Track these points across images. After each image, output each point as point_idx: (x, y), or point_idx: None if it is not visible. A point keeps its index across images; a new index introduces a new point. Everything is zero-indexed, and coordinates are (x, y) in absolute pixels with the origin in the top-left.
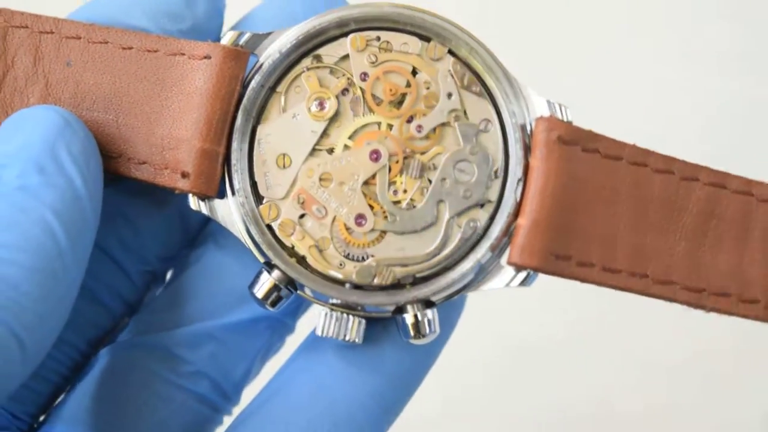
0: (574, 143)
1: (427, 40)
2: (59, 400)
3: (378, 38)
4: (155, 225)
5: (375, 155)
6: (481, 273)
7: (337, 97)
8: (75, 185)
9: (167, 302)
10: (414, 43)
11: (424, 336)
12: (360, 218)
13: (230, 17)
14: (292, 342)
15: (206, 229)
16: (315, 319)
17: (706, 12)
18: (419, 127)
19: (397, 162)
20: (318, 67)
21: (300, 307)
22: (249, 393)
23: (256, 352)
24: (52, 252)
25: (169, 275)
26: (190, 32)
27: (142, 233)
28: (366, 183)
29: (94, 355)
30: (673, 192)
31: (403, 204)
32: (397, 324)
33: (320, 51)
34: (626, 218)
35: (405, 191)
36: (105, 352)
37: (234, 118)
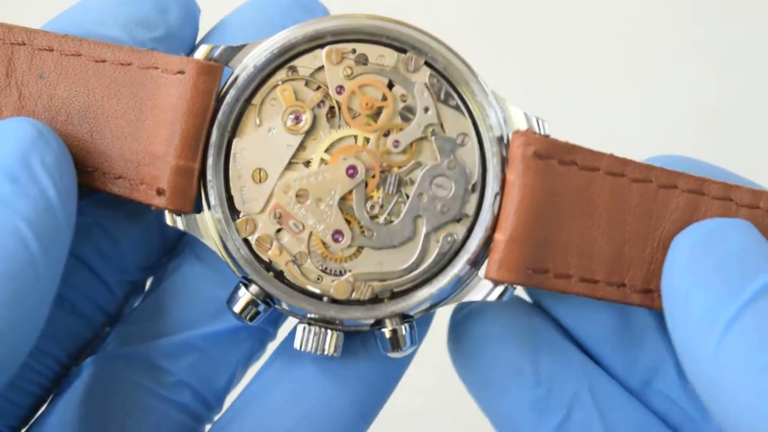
0: (551, 157)
1: (404, 51)
2: (40, 412)
3: (354, 51)
4: (133, 235)
5: (352, 170)
6: (459, 286)
7: (312, 110)
8: (48, 195)
9: (148, 313)
10: (390, 55)
11: (401, 349)
12: (337, 234)
13: (206, 23)
14: (274, 347)
15: (184, 237)
16: (293, 323)
17: (703, 12)
18: (396, 142)
19: (374, 177)
20: (293, 79)
21: (281, 315)
22: (230, 399)
23: (238, 360)
24: (25, 260)
25: (148, 284)
26: (164, 40)
27: (121, 243)
28: (343, 198)
29: (74, 366)
30: (650, 200)
31: (381, 219)
32: (375, 337)
33: (295, 62)
34: (604, 229)
35: (382, 206)
36: (87, 363)
37: (209, 133)
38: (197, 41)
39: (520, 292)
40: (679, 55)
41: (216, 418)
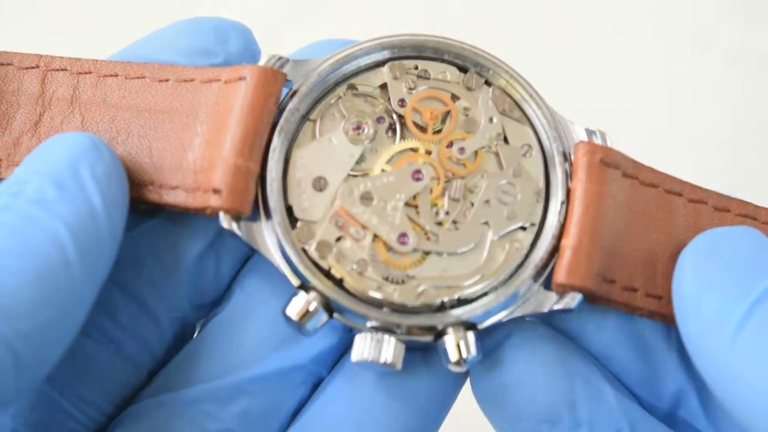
0: (615, 166)
1: (464, 71)
2: None
3: (416, 67)
4: (188, 267)
5: (417, 175)
6: (525, 295)
7: (373, 122)
8: (92, 202)
9: (194, 356)
10: (452, 72)
11: (465, 360)
12: (403, 237)
13: None
14: None
15: (234, 279)
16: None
17: (705, 12)
18: (461, 150)
19: (439, 184)
20: (354, 95)
21: (335, 353)
22: None
23: (290, 407)
24: (58, 263)
25: (198, 327)
26: (224, 66)
27: (174, 275)
28: (407, 204)
29: (117, 415)
30: (707, 221)
31: (446, 225)
32: (437, 349)
33: (355, 80)
34: (664, 245)
35: (447, 213)
36: (129, 412)
37: (269, 139)
38: None
39: None
40: (682, 56)
41: None
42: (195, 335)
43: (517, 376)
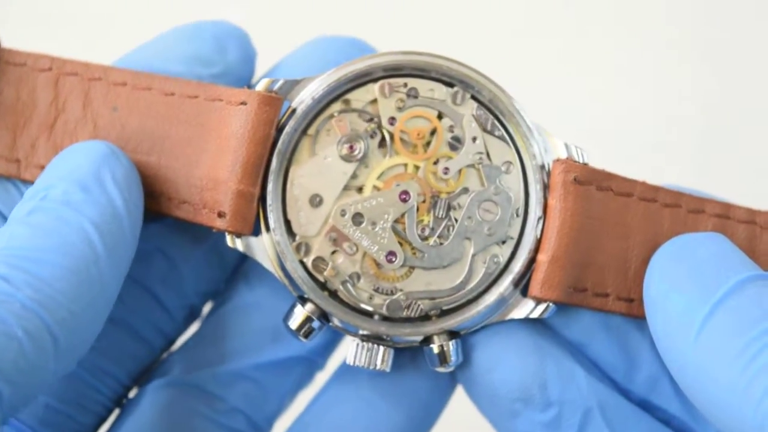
0: (589, 183)
1: (451, 86)
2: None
3: (405, 84)
4: (193, 261)
5: (404, 196)
6: (503, 304)
7: (365, 140)
8: (115, 204)
9: (204, 341)
10: (439, 89)
11: (449, 364)
12: (390, 255)
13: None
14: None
15: (239, 269)
16: (344, 353)
17: (703, 13)
18: (446, 169)
19: (425, 201)
20: (347, 111)
21: (330, 345)
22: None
23: (287, 389)
24: (89, 258)
25: (206, 309)
26: (222, 76)
27: (181, 269)
28: (396, 221)
29: (134, 388)
30: (681, 224)
31: (431, 241)
32: (423, 353)
33: (349, 96)
34: (637, 250)
35: (432, 229)
36: (147, 390)
37: (269, 161)
38: (254, 80)
39: None
40: (670, 57)
41: None
42: (204, 318)
43: (493, 358)
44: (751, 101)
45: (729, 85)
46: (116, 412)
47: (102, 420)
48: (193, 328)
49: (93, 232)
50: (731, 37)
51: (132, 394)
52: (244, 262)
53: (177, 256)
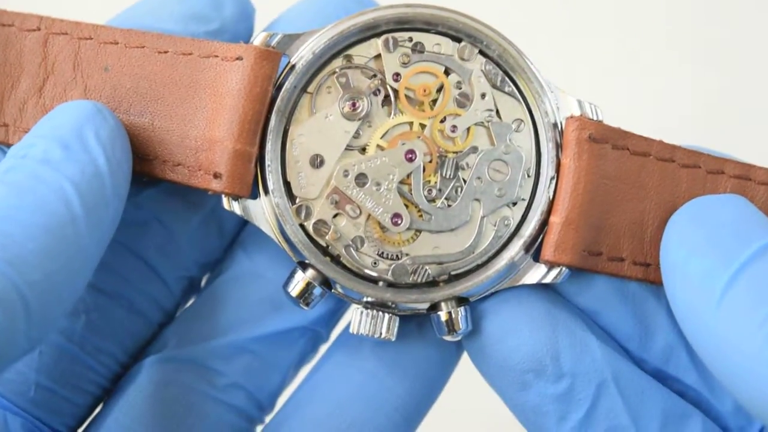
0: (605, 141)
1: (459, 41)
2: (96, 413)
3: (410, 39)
4: (191, 230)
5: (410, 155)
6: (514, 269)
7: (368, 97)
8: (97, 163)
9: (200, 313)
10: (446, 44)
11: (457, 332)
12: (396, 217)
13: (261, 21)
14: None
15: (237, 238)
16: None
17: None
18: (453, 128)
19: (431, 161)
20: (349, 67)
21: (334, 315)
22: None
23: (290, 362)
24: (65, 217)
25: (204, 281)
26: (218, 33)
27: (179, 238)
28: (401, 182)
29: (132, 365)
30: (700, 186)
31: (438, 203)
32: (430, 321)
33: (351, 51)
34: (654, 213)
35: (440, 190)
36: (142, 366)
37: (267, 119)
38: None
39: None
40: (670, 54)
41: (267, 419)
42: (201, 290)
43: (503, 327)
44: (752, 101)
45: (730, 85)
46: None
47: (98, 399)
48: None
49: (71, 191)
50: (732, 36)
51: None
52: (242, 231)
53: (174, 224)
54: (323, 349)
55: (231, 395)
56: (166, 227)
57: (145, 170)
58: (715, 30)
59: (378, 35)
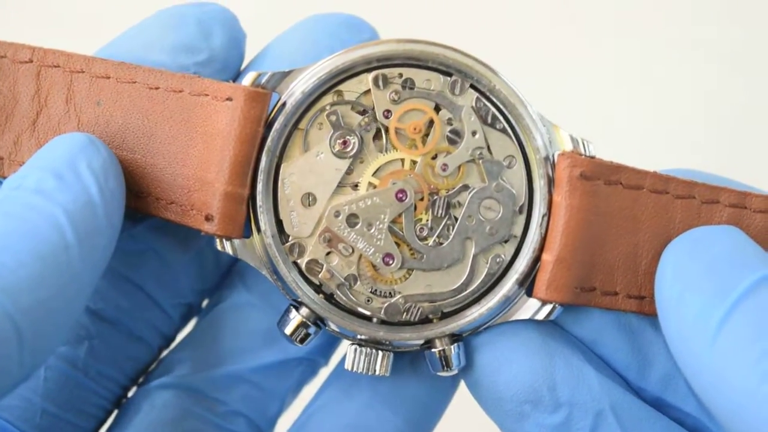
0: (597, 178)
1: (449, 75)
2: None
3: (400, 75)
4: (187, 259)
5: (401, 194)
6: (507, 305)
7: (359, 134)
8: (90, 192)
9: (201, 341)
10: (436, 79)
11: (451, 368)
12: (388, 257)
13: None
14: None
15: (234, 267)
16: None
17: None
18: (444, 166)
19: (423, 200)
20: (340, 103)
21: (332, 345)
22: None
23: (288, 389)
24: (57, 245)
25: (204, 304)
26: (207, 63)
27: (174, 267)
28: (393, 221)
29: (134, 387)
30: (694, 216)
31: (430, 242)
32: (424, 357)
33: (342, 87)
34: (648, 245)
35: (431, 229)
36: (144, 391)
37: (258, 159)
38: (244, 64)
39: None
40: (678, 56)
41: None
42: (202, 315)
43: (499, 358)
44: (752, 101)
45: (729, 84)
46: (115, 413)
47: (101, 422)
48: (192, 324)
49: (64, 219)
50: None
51: (131, 393)
52: (238, 262)
53: (170, 255)
54: (323, 371)
55: (231, 422)
56: (163, 258)
57: (140, 207)
58: (713, 29)
59: (368, 70)
